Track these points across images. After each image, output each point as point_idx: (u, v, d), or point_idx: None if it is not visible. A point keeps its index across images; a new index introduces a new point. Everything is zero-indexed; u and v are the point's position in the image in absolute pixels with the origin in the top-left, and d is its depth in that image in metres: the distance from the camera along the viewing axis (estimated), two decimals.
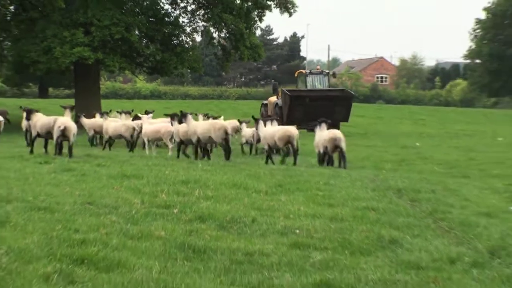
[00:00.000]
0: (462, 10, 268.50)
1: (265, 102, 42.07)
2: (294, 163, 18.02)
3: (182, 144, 19.01)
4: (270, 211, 10.17)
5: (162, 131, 20.09)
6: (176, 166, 15.00)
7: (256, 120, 19.56)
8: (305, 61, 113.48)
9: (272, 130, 18.87)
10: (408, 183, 14.07)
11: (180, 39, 40.85)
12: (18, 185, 10.95)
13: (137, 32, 37.72)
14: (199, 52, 44.48)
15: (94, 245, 7.44)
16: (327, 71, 43.79)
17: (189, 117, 18.37)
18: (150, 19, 38.51)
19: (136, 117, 23.92)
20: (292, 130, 18.85)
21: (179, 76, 44.63)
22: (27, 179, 11.87)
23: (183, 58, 38.81)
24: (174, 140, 19.53)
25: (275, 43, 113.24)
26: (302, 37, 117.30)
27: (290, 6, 39.85)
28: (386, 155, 24.77)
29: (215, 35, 41.74)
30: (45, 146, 18.22)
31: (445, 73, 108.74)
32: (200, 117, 23.90)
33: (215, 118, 24.58)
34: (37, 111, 18.85)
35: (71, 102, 36.06)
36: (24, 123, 21.95)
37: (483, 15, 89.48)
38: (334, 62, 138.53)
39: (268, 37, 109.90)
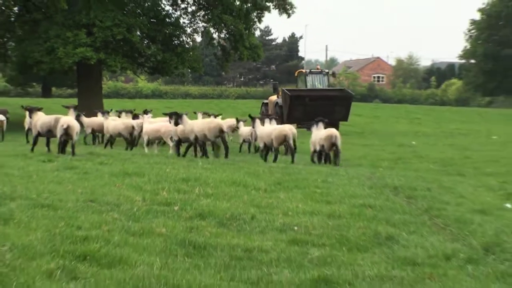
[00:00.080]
0: (457, 11, 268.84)
1: (265, 101, 42.07)
2: (292, 162, 18.02)
3: (181, 142, 19.01)
4: (269, 208, 10.17)
5: (162, 130, 20.09)
6: (176, 164, 15.00)
7: (253, 119, 19.57)
8: (303, 61, 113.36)
9: (269, 129, 18.89)
10: (404, 181, 14.06)
11: (181, 39, 40.85)
12: (21, 183, 10.94)
13: (138, 33, 37.74)
14: (199, 52, 44.48)
15: (96, 241, 7.44)
16: (327, 70, 43.78)
17: (185, 117, 18.40)
18: (151, 20, 38.50)
19: (135, 116, 23.87)
20: (288, 129, 18.91)
21: (179, 76, 44.64)
22: (30, 177, 11.86)
23: (184, 58, 38.81)
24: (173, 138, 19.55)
25: (274, 43, 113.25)
26: (301, 37, 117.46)
27: (288, 7, 39.86)
28: (383, 153, 24.77)
29: (215, 35, 41.78)
30: (47, 145, 18.20)
31: (440, 73, 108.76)
32: (199, 115, 23.87)
33: (215, 116, 24.60)
34: (38, 110, 18.80)
35: (74, 101, 36.10)
36: (27, 122, 21.94)
37: (478, 16, 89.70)
38: (332, 62, 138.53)
39: (267, 38, 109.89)
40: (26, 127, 22.98)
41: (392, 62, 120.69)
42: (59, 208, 9.03)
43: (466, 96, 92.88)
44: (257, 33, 51.38)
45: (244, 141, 23.94)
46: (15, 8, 40.98)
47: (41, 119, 18.07)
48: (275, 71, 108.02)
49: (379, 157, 23.01)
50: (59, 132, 17.09)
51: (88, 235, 7.64)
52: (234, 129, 24.82)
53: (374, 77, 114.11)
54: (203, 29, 42.16)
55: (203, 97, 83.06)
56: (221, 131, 18.04)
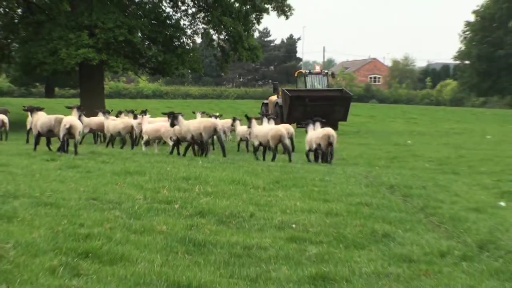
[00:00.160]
0: (452, 14, 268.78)
1: (265, 101, 42.05)
2: (289, 161, 18.04)
3: (179, 142, 19.01)
4: (268, 206, 10.17)
5: (162, 130, 20.08)
6: (177, 163, 14.99)
7: (249, 119, 19.56)
8: (301, 62, 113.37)
9: (265, 129, 18.91)
10: (400, 180, 14.06)
11: (181, 41, 40.81)
12: (25, 182, 10.93)
13: (139, 34, 37.71)
14: (199, 54, 44.45)
15: (99, 239, 7.44)
16: (326, 71, 43.77)
17: (180, 118, 18.41)
18: (152, 21, 38.46)
19: (134, 117, 23.78)
20: (284, 129, 18.97)
21: (180, 76, 44.57)
22: (34, 176, 11.85)
23: (184, 59, 38.78)
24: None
25: (272, 44, 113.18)
26: (298, 39, 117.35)
27: (286, 9, 39.82)
28: (379, 152, 24.75)
29: (215, 37, 41.78)
30: (48, 144, 18.22)
31: (435, 74, 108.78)
32: (198, 115, 23.85)
33: (216, 117, 24.60)
34: (39, 110, 18.79)
35: (77, 101, 36.07)
36: (29, 121, 21.95)
37: (472, 18, 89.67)
38: (329, 63, 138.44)
39: (265, 39, 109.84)
40: (28, 127, 22.96)
41: (388, 63, 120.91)
42: (62, 206, 9.02)
43: (461, 97, 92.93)
44: (256, 34, 51.54)
45: (241, 139, 23.92)
46: (19, 10, 40.99)
47: (41, 119, 18.06)
48: (274, 71, 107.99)
49: (376, 156, 23.00)
50: (62, 131, 17.09)
51: (90, 233, 7.64)
52: (233, 129, 24.82)
53: (370, 77, 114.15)
54: (203, 31, 42.14)
55: (203, 97, 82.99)
56: (216, 130, 18.08)
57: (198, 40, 45.90)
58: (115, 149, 20.10)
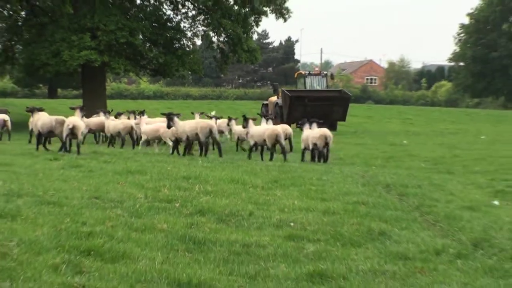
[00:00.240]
0: (447, 16, 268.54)
1: (265, 102, 42.03)
2: (284, 160, 18.05)
3: (178, 142, 18.99)
4: (266, 205, 10.17)
5: (161, 131, 20.07)
6: (177, 163, 14.99)
7: (246, 119, 19.55)
8: (299, 64, 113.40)
9: (261, 129, 18.91)
10: (396, 179, 14.07)
11: (182, 43, 40.77)
12: (28, 181, 10.93)
13: (141, 36, 37.65)
14: (199, 55, 44.40)
15: (101, 237, 7.44)
16: (325, 72, 43.76)
17: (176, 119, 18.42)
18: (153, 24, 38.42)
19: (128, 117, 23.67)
20: (280, 129, 19.01)
21: (180, 77, 44.56)
22: (37, 175, 11.86)
23: (184, 61, 38.74)
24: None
25: (270, 46, 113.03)
26: (296, 41, 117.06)
27: (285, 12, 39.77)
28: (376, 152, 24.74)
29: (215, 39, 41.68)
30: (44, 145, 18.30)
31: (431, 75, 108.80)
32: (197, 116, 23.82)
33: (217, 118, 24.56)
34: (40, 110, 18.83)
35: (79, 102, 36.03)
36: (31, 122, 21.94)
37: (467, 21, 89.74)
38: (327, 64, 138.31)
39: (264, 41, 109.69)
40: (30, 127, 22.95)
41: (384, 64, 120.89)
42: (65, 204, 9.03)
43: (455, 97, 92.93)
44: (255, 36, 51.51)
45: (238, 139, 23.86)
46: (23, 13, 40.96)
47: (41, 119, 18.11)
48: (272, 73, 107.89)
49: (372, 155, 22.99)
50: (65, 131, 17.15)
51: (93, 231, 7.64)
52: (231, 130, 24.80)
53: (367, 79, 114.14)
54: (203, 33, 42.06)
55: (203, 98, 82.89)
56: (211, 131, 18.10)
57: (198, 42, 45.92)
58: (116, 149, 20.09)
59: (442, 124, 49.04)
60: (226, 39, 40.29)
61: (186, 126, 18.22)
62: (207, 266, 6.95)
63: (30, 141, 22.49)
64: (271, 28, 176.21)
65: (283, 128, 21.31)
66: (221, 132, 24.15)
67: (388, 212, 10.08)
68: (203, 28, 41.53)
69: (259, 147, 19.54)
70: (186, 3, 40.77)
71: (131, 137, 21.87)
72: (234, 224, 8.92)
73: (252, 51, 40.00)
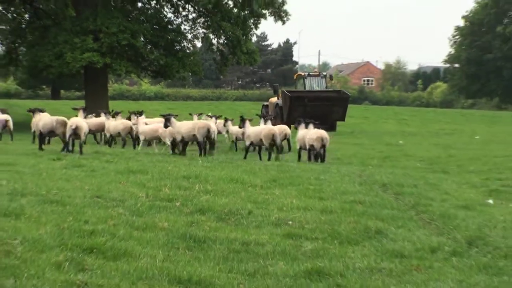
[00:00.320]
0: (442, 18, 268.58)
1: (266, 103, 41.95)
2: (276, 159, 18.03)
3: (175, 142, 19.00)
4: (265, 204, 10.17)
5: (160, 131, 20.07)
6: (178, 163, 14.98)
7: (243, 120, 19.56)
8: (297, 65, 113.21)
9: (258, 129, 18.92)
10: (392, 178, 14.07)
11: (182, 45, 40.78)
12: (32, 180, 10.93)
13: (142, 39, 37.65)
14: (199, 57, 44.45)
15: (103, 235, 7.44)
16: (325, 73, 43.73)
17: (173, 119, 18.42)
18: (154, 26, 38.43)
19: (129, 117, 23.66)
20: (276, 129, 19.06)
21: (181, 79, 44.57)
22: (40, 175, 11.85)
23: (185, 63, 38.75)
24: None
25: (269, 48, 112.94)
26: (295, 43, 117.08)
27: (283, 14, 39.76)
28: (372, 152, 24.74)
29: (214, 41, 41.69)
30: (40, 145, 18.28)
31: (426, 77, 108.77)
32: (195, 117, 23.82)
33: (217, 118, 24.58)
34: (41, 111, 18.86)
35: (82, 103, 36.01)
36: (33, 122, 21.93)
37: (461, 23, 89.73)
38: (324, 66, 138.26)
39: (263, 43, 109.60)
40: (33, 129, 22.95)
41: (381, 66, 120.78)
42: (68, 203, 9.02)
43: (451, 99, 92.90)
44: (254, 39, 51.32)
45: (236, 139, 23.86)
46: (26, 16, 41.04)
47: (42, 120, 18.16)
48: (271, 74, 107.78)
49: (369, 155, 22.99)
50: (68, 132, 17.17)
51: (95, 229, 7.64)
52: (227, 130, 24.84)
53: (364, 80, 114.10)
54: (203, 35, 42.08)
55: (203, 99, 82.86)
56: (209, 131, 18.11)
57: (198, 44, 45.99)
58: (118, 149, 20.09)
59: (437, 125, 49.01)
60: (225, 41, 40.30)
61: (182, 127, 18.21)
62: (207, 263, 6.95)
63: (33, 142, 22.48)
64: (270, 31, 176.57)
65: (281, 129, 21.32)
66: (218, 132, 24.15)
67: (385, 211, 10.08)
68: (203, 30, 41.58)
69: (257, 148, 19.55)
70: (187, 6, 40.80)
71: (132, 137, 21.87)
72: (234, 222, 8.92)
73: (251, 53, 40.01)
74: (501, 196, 13.20)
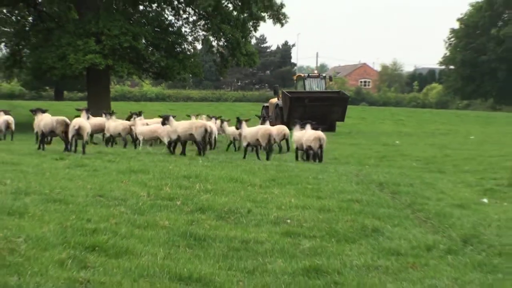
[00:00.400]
0: (438, 21, 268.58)
1: (266, 104, 41.88)
2: (267, 159, 17.99)
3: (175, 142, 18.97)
4: (264, 203, 10.17)
5: (159, 131, 20.05)
6: (178, 162, 14.97)
7: (239, 121, 19.55)
8: (295, 67, 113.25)
9: (254, 130, 18.90)
10: (389, 178, 14.07)
11: (183, 47, 40.77)
12: (35, 179, 10.92)
13: (143, 41, 37.65)
14: (199, 59, 44.39)
15: (105, 233, 7.44)
16: (324, 74, 43.73)
17: (171, 118, 18.41)
18: (156, 29, 38.42)
19: (129, 117, 23.65)
20: (274, 129, 19.05)
21: (181, 80, 44.50)
22: (44, 174, 11.84)
23: (185, 64, 38.72)
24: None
25: (268, 50, 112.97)
26: (293, 45, 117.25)
27: (282, 17, 39.73)
28: (369, 152, 24.74)
29: (214, 43, 41.72)
30: (39, 144, 18.29)
31: (422, 78, 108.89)
32: (193, 118, 23.80)
33: (216, 119, 24.56)
34: (43, 112, 18.87)
35: (84, 104, 35.99)
36: (35, 122, 21.91)
37: (457, 25, 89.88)
38: (322, 68, 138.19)
39: (262, 45, 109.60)
40: (35, 130, 22.93)
41: (377, 68, 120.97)
42: (70, 202, 9.02)
43: (446, 100, 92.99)
44: (253, 41, 51.34)
45: (234, 139, 23.85)
46: (30, 18, 41.04)
47: (44, 120, 18.17)
48: (270, 76, 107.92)
49: (366, 155, 22.99)
50: (71, 132, 17.17)
51: (97, 228, 7.63)
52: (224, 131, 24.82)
53: (361, 81, 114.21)
54: (203, 38, 42.07)
55: (203, 100, 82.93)
56: (206, 131, 18.10)
57: (199, 46, 45.88)
58: (120, 149, 20.06)
59: (433, 125, 49.03)
60: (225, 44, 40.30)
61: (179, 127, 18.17)
62: (207, 261, 6.95)
63: (37, 142, 22.46)
64: (269, 33, 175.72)
65: (280, 129, 21.31)
66: (218, 133, 24.14)
67: (381, 209, 10.08)
68: (203, 32, 41.56)
69: (255, 148, 19.53)
70: (187, 9, 40.76)
71: (132, 137, 21.84)
72: (233, 221, 8.92)
73: (250, 55, 40.01)
74: (496, 195, 13.20)
